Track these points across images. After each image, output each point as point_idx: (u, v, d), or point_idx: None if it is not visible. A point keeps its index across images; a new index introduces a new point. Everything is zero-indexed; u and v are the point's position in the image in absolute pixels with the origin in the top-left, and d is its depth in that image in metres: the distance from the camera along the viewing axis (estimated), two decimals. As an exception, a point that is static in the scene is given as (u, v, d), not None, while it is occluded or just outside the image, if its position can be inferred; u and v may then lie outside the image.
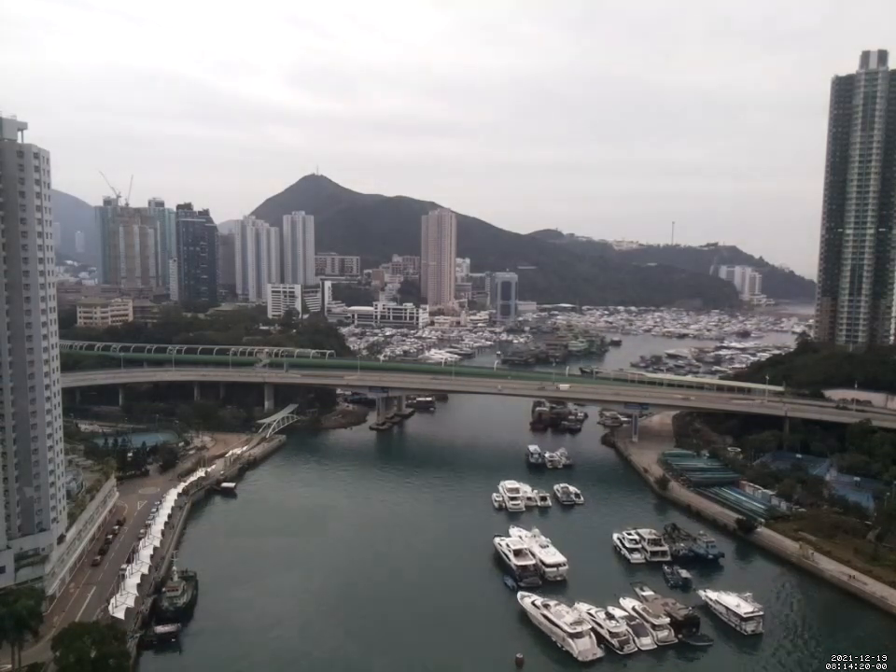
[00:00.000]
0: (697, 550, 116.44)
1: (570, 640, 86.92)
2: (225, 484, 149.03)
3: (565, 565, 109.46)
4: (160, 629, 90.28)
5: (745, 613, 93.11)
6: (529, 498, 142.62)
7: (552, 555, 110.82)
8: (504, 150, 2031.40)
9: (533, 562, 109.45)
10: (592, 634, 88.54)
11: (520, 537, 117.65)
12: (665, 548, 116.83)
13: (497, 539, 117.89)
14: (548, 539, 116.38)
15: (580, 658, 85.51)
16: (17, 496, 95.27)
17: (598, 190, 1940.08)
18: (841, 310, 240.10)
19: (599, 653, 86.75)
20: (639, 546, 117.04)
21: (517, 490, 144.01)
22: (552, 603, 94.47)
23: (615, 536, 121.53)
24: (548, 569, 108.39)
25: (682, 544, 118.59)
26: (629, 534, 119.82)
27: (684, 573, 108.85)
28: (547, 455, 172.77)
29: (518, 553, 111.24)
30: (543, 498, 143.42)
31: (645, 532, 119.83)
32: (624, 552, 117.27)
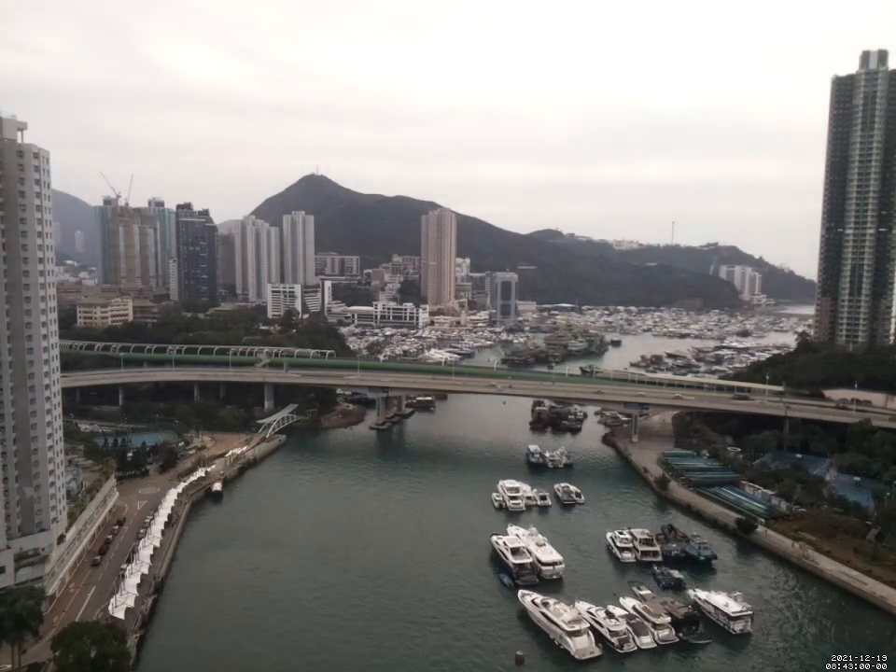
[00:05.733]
0: (689, 551, 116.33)
1: (568, 638, 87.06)
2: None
3: (561, 563, 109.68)
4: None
5: (733, 612, 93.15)
6: (529, 498, 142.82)
7: (548, 554, 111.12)
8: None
9: (530, 560, 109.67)
10: (590, 632, 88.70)
11: (517, 535, 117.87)
12: (657, 548, 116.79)
13: (494, 538, 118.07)
14: (545, 538, 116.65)
15: (577, 656, 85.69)
16: (17, 496, 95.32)
17: (599, 190, 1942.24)
18: (841, 310, 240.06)
19: (597, 652, 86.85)
20: (630, 545, 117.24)
21: (517, 489, 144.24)
22: (551, 601, 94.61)
23: (608, 535, 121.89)
24: (544, 567, 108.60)
25: (674, 545, 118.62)
26: (621, 533, 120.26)
27: (676, 573, 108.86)
28: (547, 454, 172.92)
29: (515, 551, 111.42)
30: (543, 498, 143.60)
31: (637, 532, 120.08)
32: (615, 550, 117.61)
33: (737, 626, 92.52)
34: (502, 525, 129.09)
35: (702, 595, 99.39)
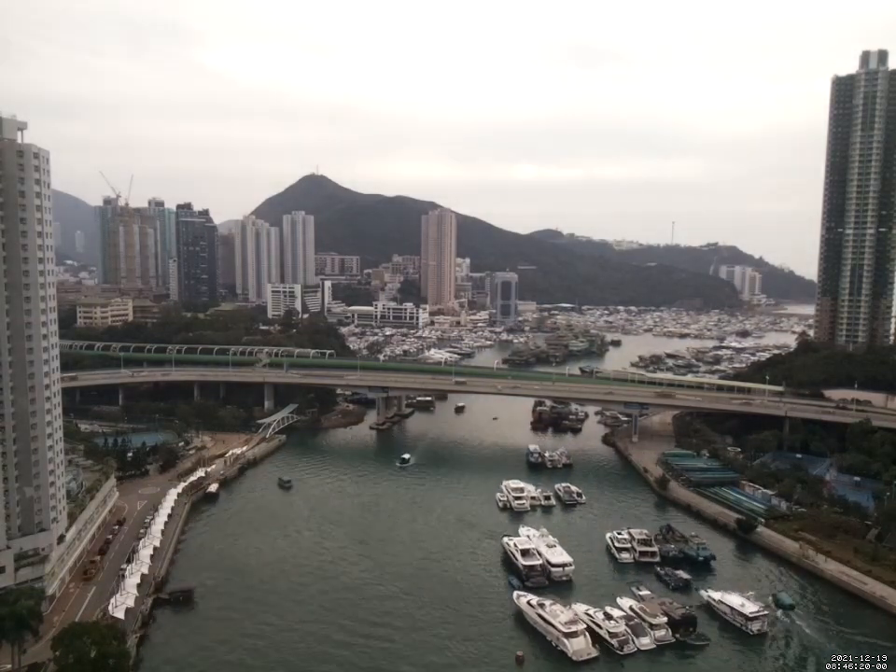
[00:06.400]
0: (688, 551, 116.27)
1: (565, 640, 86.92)
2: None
3: (571, 565, 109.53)
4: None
5: (750, 613, 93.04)
6: (533, 498, 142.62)
7: (558, 555, 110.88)
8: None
9: (539, 562, 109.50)
10: (587, 633, 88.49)
11: (528, 536, 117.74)
12: (655, 549, 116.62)
13: (505, 539, 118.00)
14: (555, 539, 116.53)
15: (574, 657, 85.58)
16: (17, 496, 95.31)
17: (598, 190, 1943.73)
18: (841, 310, 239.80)
19: (594, 653, 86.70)
20: (628, 546, 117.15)
21: (521, 489, 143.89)
22: (547, 602, 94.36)
23: (607, 535, 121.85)
24: (554, 569, 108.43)
25: (672, 546, 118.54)
26: (619, 534, 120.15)
27: (683, 574, 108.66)
28: (547, 454, 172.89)
29: (525, 552, 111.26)
30: (547, 497, 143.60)
31: (636, 532, 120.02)
32: (613, 551, 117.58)
33: (755, 626, 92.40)
34: (507, 525, 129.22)
35: (715, 595, 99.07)
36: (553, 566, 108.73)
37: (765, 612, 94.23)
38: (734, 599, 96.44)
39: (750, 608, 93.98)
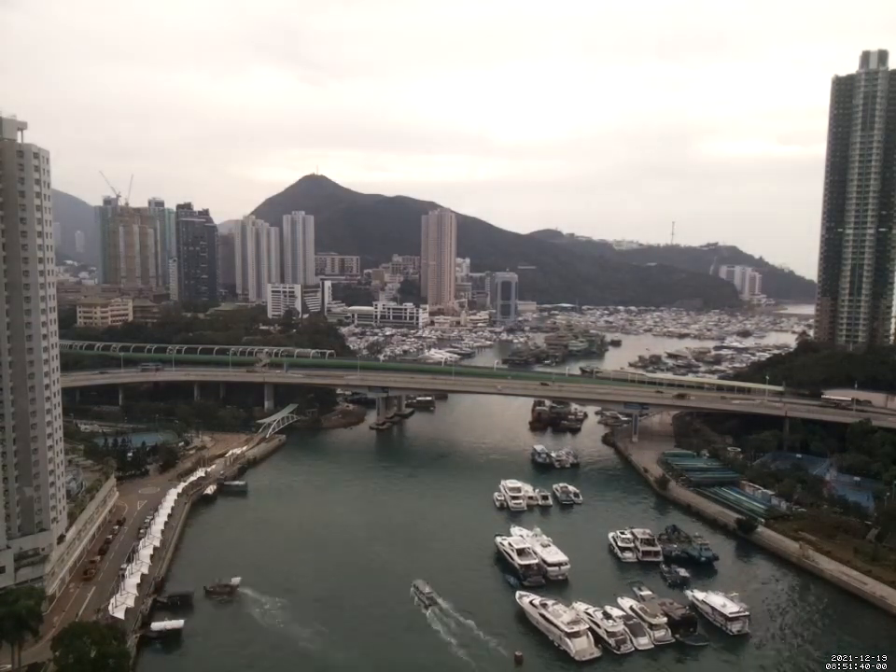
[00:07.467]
0: (690, 552, 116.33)
1: (567, 640, 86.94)
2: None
3: (567, 564, 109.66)
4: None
5: (730, 613, 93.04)
6: (531, 497, 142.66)
7: (553, 554, 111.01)
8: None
9: (536, 561, 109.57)
10: (589, 633, 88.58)
11: (521, 536, 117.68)
12: (658, 548, 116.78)
13: (498, 539, 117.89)
14: (549, 539, 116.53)
15: (577, 657, 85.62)
16: (17, 496, 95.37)
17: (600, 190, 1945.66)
18: (841, 310, 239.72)
19: (597, 653, 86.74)
20: (632, 545, 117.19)
21: (519, 489, 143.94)
22: (549, 602, 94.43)
23: (610, 535, 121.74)
24: (550, 568, 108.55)
25: (675, 546, 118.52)
26: (622, 533, 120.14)
27: (682, 572, 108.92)
28: (554, 454, 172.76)
29: (521, 552, 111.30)
30: (545, 497, 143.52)
31: (639, 532, 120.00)
32: (616, 550, 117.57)
33: (735, 627, 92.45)
34: (504, 524, 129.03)
35: (700, 595, 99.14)
36: (550, 565, 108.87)
37: (746, 613, 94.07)
38: (716, 600, 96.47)
39: (731, 608, 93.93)
